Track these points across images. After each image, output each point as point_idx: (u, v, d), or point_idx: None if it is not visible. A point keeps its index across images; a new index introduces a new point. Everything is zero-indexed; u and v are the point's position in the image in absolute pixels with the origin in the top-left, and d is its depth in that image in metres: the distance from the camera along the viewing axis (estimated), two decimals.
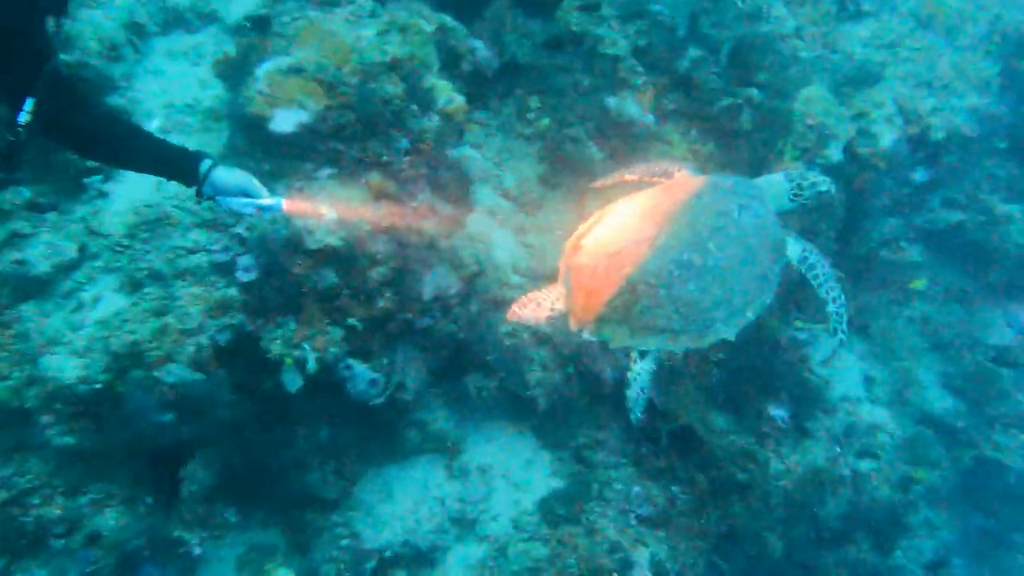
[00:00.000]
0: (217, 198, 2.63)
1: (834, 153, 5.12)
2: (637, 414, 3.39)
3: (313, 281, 4.12)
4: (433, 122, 4.41)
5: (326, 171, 4.14)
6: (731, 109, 5.14)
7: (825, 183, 3.50)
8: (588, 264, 3.20)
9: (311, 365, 4.06)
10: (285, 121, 4.07)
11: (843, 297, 3.44)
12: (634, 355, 3.30)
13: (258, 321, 4.19)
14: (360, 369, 4.34)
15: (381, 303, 4.34)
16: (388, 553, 4.80)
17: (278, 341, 4.06)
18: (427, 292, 4.58)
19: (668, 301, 3.02)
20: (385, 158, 4.21)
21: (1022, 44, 6.54)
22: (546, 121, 5.14)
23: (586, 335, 3.12)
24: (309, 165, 4.12)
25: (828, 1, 6.03)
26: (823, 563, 5.42)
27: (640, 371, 3.31)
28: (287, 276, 4.06)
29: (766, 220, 3.30)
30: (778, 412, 5.15)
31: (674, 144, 5.29)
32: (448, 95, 4.40)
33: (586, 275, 3.18)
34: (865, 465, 5.68)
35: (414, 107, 4.25)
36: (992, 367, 6.55)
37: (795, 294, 5.39)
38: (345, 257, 4.16)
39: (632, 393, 3.35)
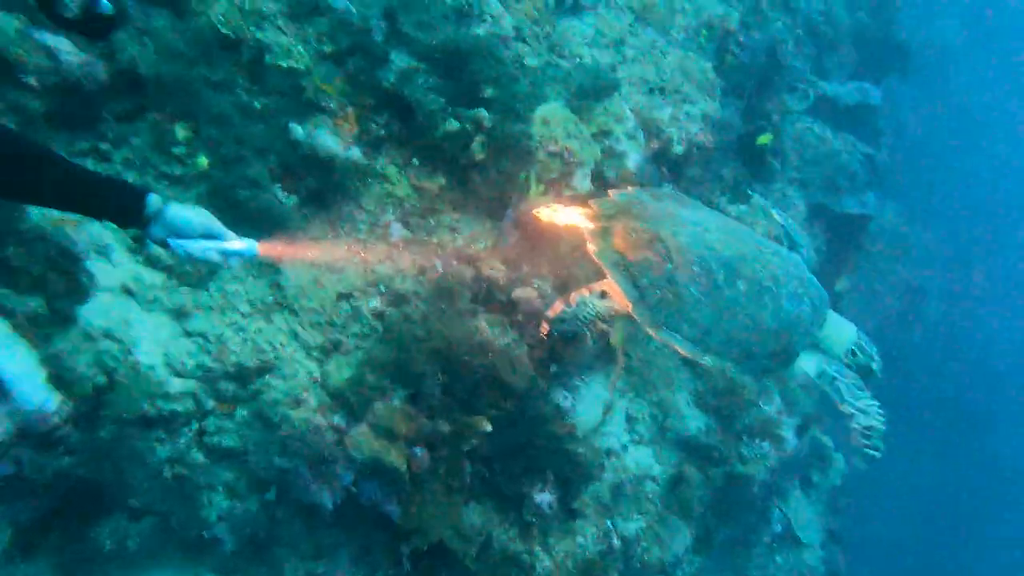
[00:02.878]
0: (171, 242, 2.09)
1: (581, 182, 4.28)
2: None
3: None
4: None
5: None
6: (458, 135, 4.05)
7: (877, 366, 3.34)
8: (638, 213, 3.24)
9: None
10: None
11: (876, 409, 3.22)
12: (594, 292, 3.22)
13: None
14: None
15: None
16: None
17: None
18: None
19: (664, 277, 3.02)
20: None
21: (726, 37, 6.32)
22: (204, 160, 3.63)
23: (585, 225, 3.22)
24: None
25: None
26: None
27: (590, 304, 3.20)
28: None
29: (800, 322, 3.19)
30: (543, 497, 4.27)
31: (393, 181, 4.10)
32: None
33: (632, 210, 3.24)
34: (634, 526, 5.08)
35: None
36: (735, 379, 6.40)
37: (557, 348, 4.51)
38: None
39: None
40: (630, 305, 3.05)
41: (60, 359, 3.13)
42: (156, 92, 3.60)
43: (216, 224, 2.16)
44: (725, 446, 6.42)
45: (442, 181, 4.15)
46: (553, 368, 4.60)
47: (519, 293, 4.09)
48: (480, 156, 4.05)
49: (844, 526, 9.42)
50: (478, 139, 4.03)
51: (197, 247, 2.12)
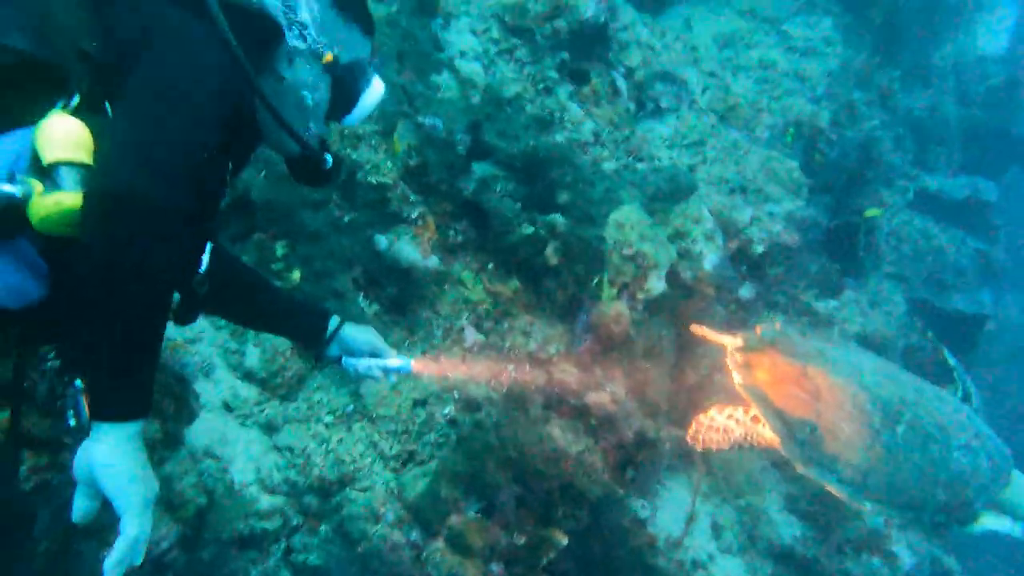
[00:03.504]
0: (344, 361, 2.27)
1: (657, 284, 4.25)
2: None
3: None
4: None
5: None
6: (532, 240, 4.14)
7: None
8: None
9: None
10: None
11: None
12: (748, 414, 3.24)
13: None
14: None
15: None
16: None
17: None
18: None
19: (813, 414, 2.96)
20: None
21: (816, 136, 6.23)
22: (297, 274, 3.84)
23: (731, 356, 3.25)
24: None
25: (625, 98, 5.30)
26: None
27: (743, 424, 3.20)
28: None
29: (977, 476, 2.99)
30: None
31: (468, 286, 4.19)
32: None
33: (779, 346, 3.21)
34: None
35: None
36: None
37: (632, 454, 4.40)
38: None
39: None
40: (779, 439, 3.01)
41: (170, 483, 3.27)
42: (263, 214, 3.87)
43: (381, 342, 2.31)
44: (827, 559, 5.99)
45: (516, 285, 4.22)
46: (630, 473, 4.47)
47: (592, 398, 4.04)
48: (554, 260, 4.11)
49: None
50: (552, 244, 4.10)
51: (364, 364, 2.27)
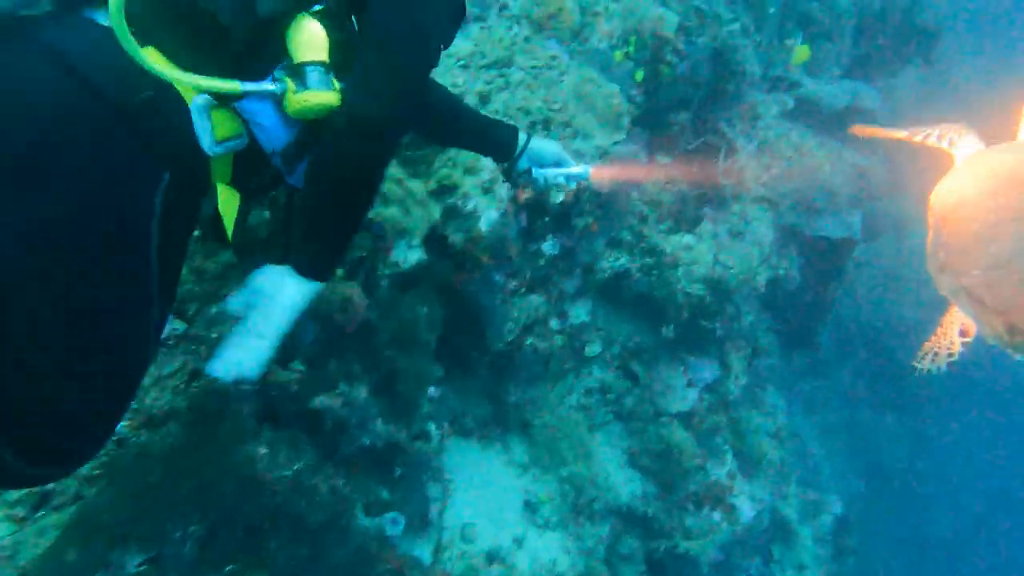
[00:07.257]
0: (534, 171, 2.49)
1: (407, 255, 3.40)
2: None
3: None
4: None
5: None
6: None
7: None
8: (979, 283, 2.93)
9: None
10: None
11: None
12: None
13: None
14: None
15: None
16: None
17: None
18: None
19: None
20: None
21: (661, 46, 5.31)
22: None
23: None
24: None
25: None
26: None
27: None
28: None
29: None
30: None
31: None
32: None
33: (985, 297, 2.95)
34: None
35: None
36: (675, 444, 5.51)
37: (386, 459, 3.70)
38: None
39: None
40: None
41: None
42: None
43: (564, 153, 2.52)
44: (666, 515, 5.58)
45: (229, 257, 3.35)
46: (398, 471, 3.80)
47: (321, 402, 3.27)
48: (263, 234, 3.23)
49: None
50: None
51: (551, 174, 2.47)
